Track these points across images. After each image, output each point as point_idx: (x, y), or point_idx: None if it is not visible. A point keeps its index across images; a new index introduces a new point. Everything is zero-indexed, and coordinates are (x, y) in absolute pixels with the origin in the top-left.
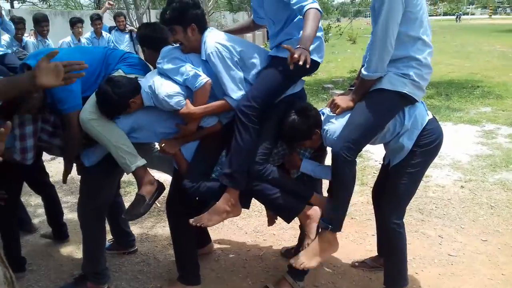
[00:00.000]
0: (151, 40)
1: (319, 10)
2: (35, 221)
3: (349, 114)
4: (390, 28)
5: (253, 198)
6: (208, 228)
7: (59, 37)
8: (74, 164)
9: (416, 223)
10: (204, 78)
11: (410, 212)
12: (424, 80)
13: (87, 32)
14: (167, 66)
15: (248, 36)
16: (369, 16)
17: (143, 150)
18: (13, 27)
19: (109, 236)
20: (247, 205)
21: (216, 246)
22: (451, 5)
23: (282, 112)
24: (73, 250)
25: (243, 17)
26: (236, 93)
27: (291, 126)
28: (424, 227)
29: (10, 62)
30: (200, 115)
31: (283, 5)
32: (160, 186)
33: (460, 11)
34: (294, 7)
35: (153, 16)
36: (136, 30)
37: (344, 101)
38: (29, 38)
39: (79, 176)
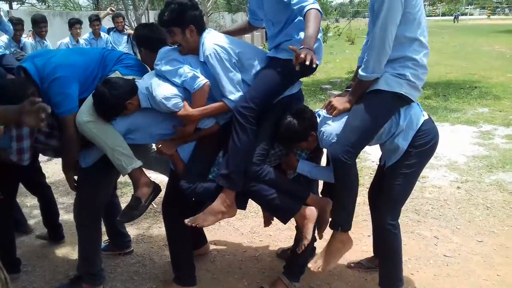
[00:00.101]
0: (148, 40)
1: (319, 11)
2: (31, 222)
3: (346, 116)
4: (389, 29)
5: (249, 199)
6: (204, 229)
7: (58, 38)
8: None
9: (412, 223)
10: (202, 80)
11: (406, 212)
12: (420, 80)
13: (86, 33)
14: (165, 67)
15: (247, 37)
16: (367, 17)
17: (140, 151)
18: (11, 28)
19: (104, 237)
20: (243, 206)
21: (212, 247)
22: (449, 5)
23: (279, 113)
24: (69, 251)
25: (241, 18)
26: (234, 94)
27: (286, 128)
28: (420, 227)
29: (8, 63)
30: (198, 117)
31: (283, 6)
32: (156, 188)
33: (458, 11)
34: (294, 8)
35: (152, 17)
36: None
37: (340, 102)
38: (27, 39)
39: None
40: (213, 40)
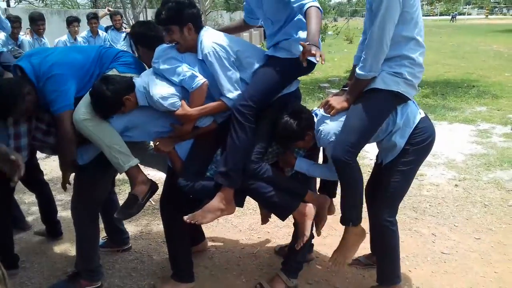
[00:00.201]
0: (145, 38)
1: (319, 9)
2: (29, 218)
3: (344, 115)
4: (387, 28)
5: (247, 196)
6: (202, 226)
7: (56, 35)
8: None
9: (410, 221)
10: (201, 79)
11: (404, 210)
12: (416, 78)
13: (83, 31)
14: (163, 66)
15: (245, 35)
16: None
17: (137, 148)
18: (9, 25)
19: (103, 234)
20: (241, 203)
21: (210, 243)
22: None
23: (277, 111)
24: (67, 247)
25: (240, 16)
26: (232, 93)
27: (283, 127)
28: (418, 225)
29: (5, 61)
30: (196, 117)
31: (283, 5)
32: (153, 186)
33: (456, 11)
34: (294, 6)
35: (150, 15)
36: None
37: (338, 102)
38: (25, 36)
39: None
40: (211, 39)
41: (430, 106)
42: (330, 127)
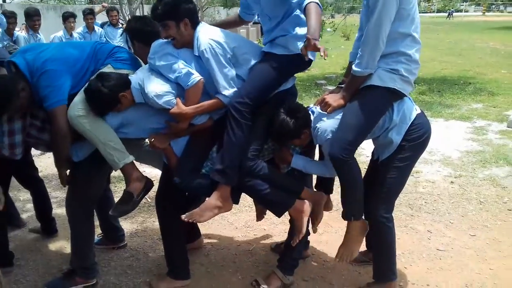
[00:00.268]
0: (141, 33)
1: (318, 5)
2: (24, 216)
3: (341, 113)
4: (384, 25)
5: (243, 193)
6: (198, 223)
7: (51, 31)
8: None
9: (406, 218)
10: (196, 77)
11: (399, 207)
12: (412, 75)
13: (79, 27)
14: (159, 62)
15: (242, 31)
16: None
17: (133, 144)
18: (4, 21)
19: (98, 231)
20: (236, 200)
21: (206, 241)
22: (444, 1)
23: (273, 108)
24: (62, 245)
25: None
26: (228, 90)
27: (280, 126)
28: (413, 222)
29: (1, 56)
30: (192, 115)
31: (281, 1)
32: (148, 183)
33: (452, 8)
34: (293, 1)
35: (146, 11)
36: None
37: (334, 99)
38: (20, 32)
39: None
40: (208, 35)
41: (426, 103)
42: (327, 125)
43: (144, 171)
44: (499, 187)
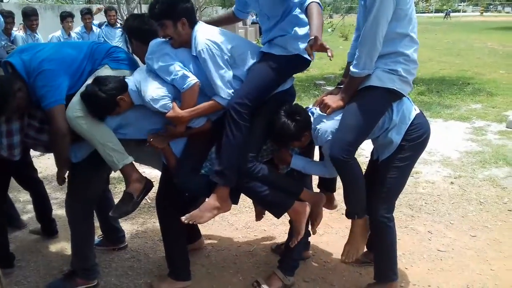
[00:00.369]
0: (139, 32)
1: (319, 5)
2: (24, 217)
3: (340, 114)
4: (381, 26)
5: (243, 194)
6: (199, 224)
7: (49, 31)
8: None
9: (406, 218)
10: (192, 80)
11: (400, 208)
12: (411, 75)
13: (77, 27)
14: (157, 63)
15: (241, 31)
16: None
17: (132, 145)
18: (2, 21)
19: (99, 232)
20: (236, 201)
21: (206, 241)
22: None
23: (272, 109)
24: (63, 246)
25: None
26: (225, 92)
27: (281, 129)
28: (414, 222)
29: None
30: (188, 119)
31: (280, 0)
32: (148, 184)
33: (450, 8)
34: (295, 1)
35: (144, 10)
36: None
37: (333, 101)
38: (18, 32)
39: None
40: (205, 35)
41: (425, 103)
42: (327, 126)
43: (143, 172)
44: (499, 187)
